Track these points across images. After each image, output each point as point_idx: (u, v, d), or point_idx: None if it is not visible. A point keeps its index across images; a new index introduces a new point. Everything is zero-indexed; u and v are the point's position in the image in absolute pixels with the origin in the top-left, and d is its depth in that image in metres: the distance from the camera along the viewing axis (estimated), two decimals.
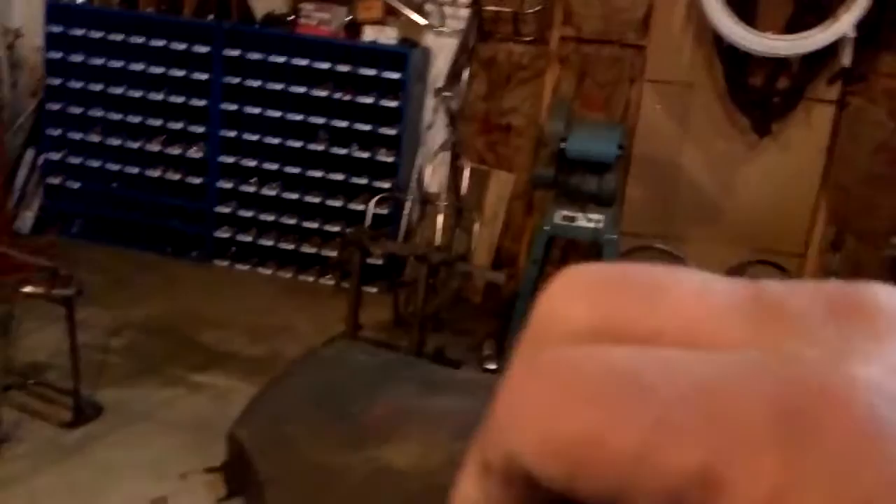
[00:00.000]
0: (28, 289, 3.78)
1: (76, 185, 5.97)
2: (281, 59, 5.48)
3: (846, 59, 4.80)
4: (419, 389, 0.53)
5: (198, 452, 3.41)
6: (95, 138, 5.86)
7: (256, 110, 5.56)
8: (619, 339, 0.23)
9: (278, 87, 5.50)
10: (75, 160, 5.93)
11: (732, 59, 4.98)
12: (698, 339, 0.22)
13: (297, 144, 5.55)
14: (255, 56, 5.51)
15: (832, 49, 4.77)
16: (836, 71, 4.87)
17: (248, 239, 5.75)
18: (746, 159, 5.14)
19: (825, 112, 4.98)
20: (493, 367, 4.67)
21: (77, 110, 5.86)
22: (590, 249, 4.99)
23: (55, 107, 5.88)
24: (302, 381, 0.62)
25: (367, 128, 5.43)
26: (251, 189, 5.70)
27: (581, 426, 0.21)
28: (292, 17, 5.54)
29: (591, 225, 4.52)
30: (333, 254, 5.37)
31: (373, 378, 0.54)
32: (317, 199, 5.58)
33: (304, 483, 0.44)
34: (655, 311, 0.23)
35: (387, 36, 5.42)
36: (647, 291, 0.23)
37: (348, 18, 5.48)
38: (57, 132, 5.92)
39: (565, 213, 4.56)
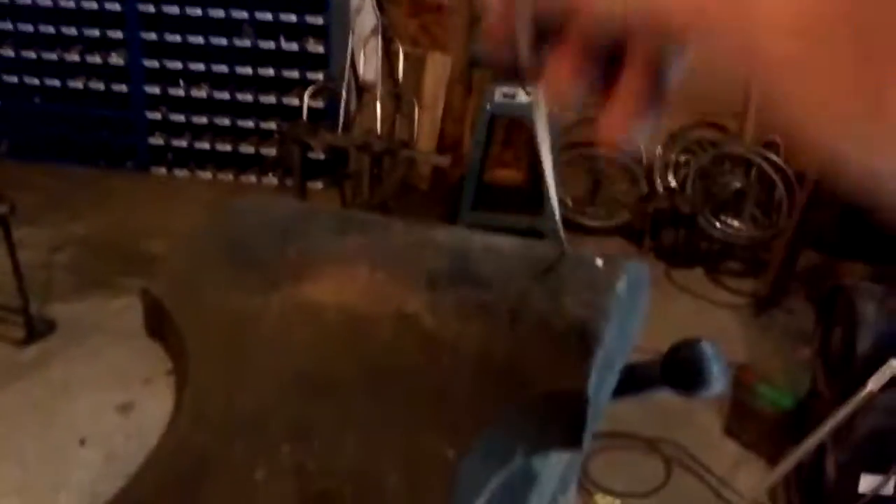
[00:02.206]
0: None
1: None
2: None
3: None
4: (335, 231, 0.54)
5: (158, 357, 3.37)
6: (9, 52, 5.57)
7: (175, 9, 5.31)
8: None
9: None
10: None
11: None
12: None
13: (223, 42, 5.35)
14: None
15: None
16: None
17: (183, 144, 5.59)
18: None
19: None
20: None
21: None
22: (533, 125, 4.97)
23: None
24: (214, 234, 0.62)
25: (293, 18, 5.24)
26: (180, 92, 5.50)
27: None
28: None
29: (532, 100, 4.48)
30: (272, 152, 5.27)
31: (286, 224, 0.54)
32: (249, 97, 5.42)
33: (222, 328, 0.45)
34: None
35: None
36: None
37: None
38: None
39: (505, 90, 4.51)
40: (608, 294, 0.47)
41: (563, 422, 0.46)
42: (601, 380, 0.48)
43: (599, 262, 0.47)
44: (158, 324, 0.52)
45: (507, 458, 0.45)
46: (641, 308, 0.52)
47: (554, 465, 0.59)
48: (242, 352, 0.47)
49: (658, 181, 5.10)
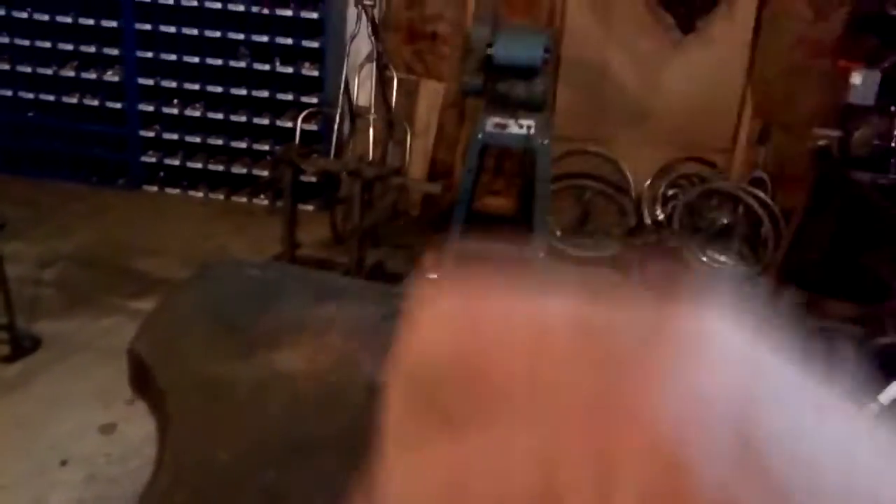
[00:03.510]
0: None
1: None
2: None
3: None
4: (309, 299, 0.56)
5: None
6: (5, 66, 5.59)
7: (172, 29, 5.36)
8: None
9: (193, 2, 5.29)
10: None
11: None
12: None
13: (218, 62, 5.38)
14: None
15: None
16: None
17: (176, 162, 5.61)
18: (672, 57, 5.18)
19: (747, 6, 5.03)
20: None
21: None
22: (524, 155, 5.01)
23: None
24: (194, 297, 0.65)
25: (289, 41, 5.29)
26: (174, 111, 5.53)
27: None
28: None
29: (523, 131, 4.53)
30: (265, 173, 5.29)
31: (263, 292, 0.57)
32: (243, 118, 5.46)
33: (200, 392, 0.47)
34: None
35: None
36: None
37: None
38: None
39: (497, 120, 4.56)
40: None
41: None
42: None
43: None
44: (142, 381, 0.54)
45: None
46: None
47: None
48: (220, 415, 0.50)
49: (646, 214, 5.14)
